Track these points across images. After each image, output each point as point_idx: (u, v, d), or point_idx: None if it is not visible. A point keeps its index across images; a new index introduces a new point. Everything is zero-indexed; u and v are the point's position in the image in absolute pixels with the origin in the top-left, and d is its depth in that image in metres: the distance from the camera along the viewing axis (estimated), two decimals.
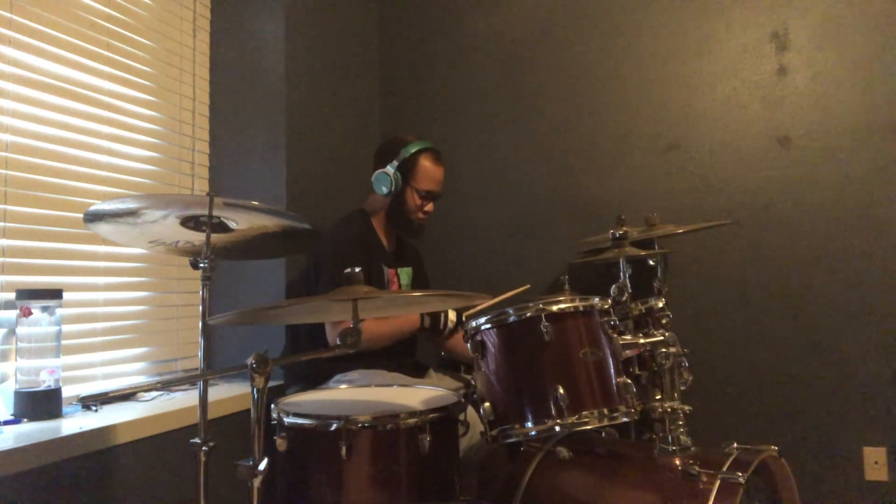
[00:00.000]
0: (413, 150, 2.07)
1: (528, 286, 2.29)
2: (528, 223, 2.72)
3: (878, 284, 2.28)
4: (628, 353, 1.57)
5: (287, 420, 1.37)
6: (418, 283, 2.27)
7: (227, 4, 2.27)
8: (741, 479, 1.33)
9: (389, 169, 2.04)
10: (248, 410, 1.11)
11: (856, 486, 2.26)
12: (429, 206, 2.12)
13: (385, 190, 2.05)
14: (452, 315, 2.05)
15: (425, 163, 2.08)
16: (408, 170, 2.07)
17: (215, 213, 1.32)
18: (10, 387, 1.45)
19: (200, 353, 1.36)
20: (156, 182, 2.00)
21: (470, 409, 1.54)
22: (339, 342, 1.15)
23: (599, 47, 2.66)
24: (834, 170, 2.35)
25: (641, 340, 1.57)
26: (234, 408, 1.86)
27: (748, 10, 2.48)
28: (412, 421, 1.35)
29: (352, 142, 2.71)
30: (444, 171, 2.13)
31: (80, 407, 1.60)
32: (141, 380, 1.90)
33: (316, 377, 1.97)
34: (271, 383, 1.52)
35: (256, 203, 1.33)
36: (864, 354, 2.28)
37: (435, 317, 2.03)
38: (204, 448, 1.30)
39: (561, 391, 1.39)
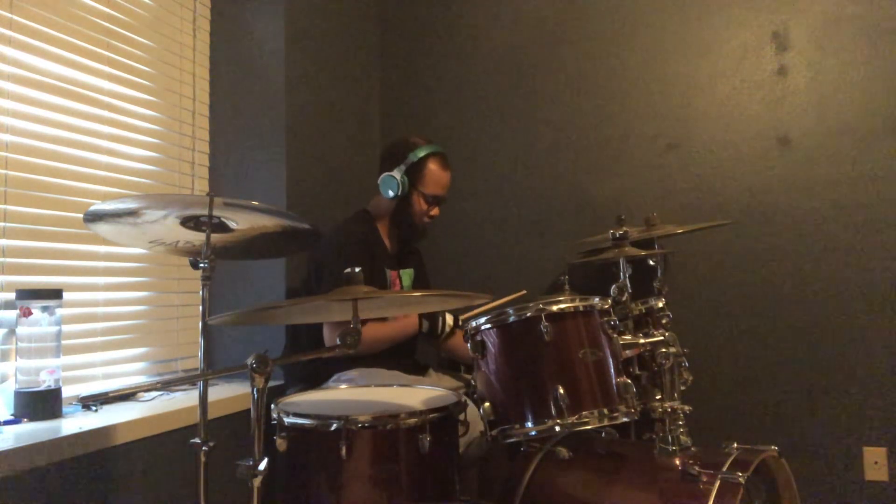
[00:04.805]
0: (421, 154, 2.05)
1: (525, 292, 2.29)
2: (528, 223, 2.72)
3: (878, 284, 2.28)
4: (628, 353, 1.57)
5: (287, 420, 1.37)
6: (419, 283, 2.27)
7: (227, 4, 2.27)
8: (741, 479, 1.33)
9: (397, 173, 2.03)
10: (248, 410, 1.11)
11: (856, 486, 2.26)
12: (434, 211, 2.11)
13: (392, 193, 2.04)
14: (450, 319, 2.05)
15: (433, 167, 2.06)
16: (415, 174, 2.05)
17: (215, 213, 1.32)
18: (10, 387, 1.45)
19: (200, 353, 1.36)
20: (156, 182, 2.00)
21: (470, 409, 1.54)
22: (339, 342, 1.15)
23: (599, 47, 2.66)
24: (834, 170, 2.35)
25: (641, 340, 1.57)
26: (234, 408, 1.86)
27: (748, 10, 2.48)
28: (412, 421, 1.35)
29: (352, 142, 2.71)
30: (450, 176, 2.12)
31: (80, 407, 1.60)
32: (141, 380, 1.90)
33: (316, 377, 1.97)
34: (271, 383, 1.53)
35: (256, 203, 1.33)
36: (864, 354, 2.28)
37: (433, 320, 2.03)
38: (204, 448, 1.30)
39: (561, 391, 1.39)
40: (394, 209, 2.10)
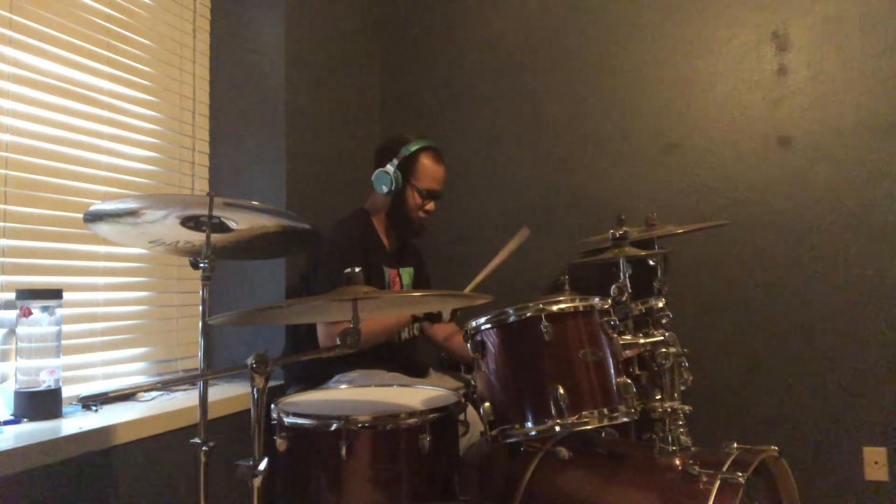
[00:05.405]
0: (413, 148, 2.06)
1: (526, 230, 2.27)
2: (528, 223, 2.71)
3: (878, 284, 2.28)
4: (628, 353, 1.57)
5: (287, 420, 1.37)
6: (419, 282, 2.27)
7: (227, 4, 2.27)
8: (741, 479, 1.33)
9: (389, 167, 2.04)
10: (248, 410, 1.11)
11: (856, 486, 2.26)
12: (430, 206, 2.12)
13: (385, 189, 2.05)
14: None
15: (426, 161, 2.08)
16: (408, 168, 2.06)
17: (215, 213, 1.32)
18: (10, 387, 1.45)
19: (200, 353, 1.36)
20: (156, 182, 2.00)
21: (470, 409, 1.54)
22: (339, 342, 1.15)
23: (599, 47, 2.66)
24: (834, 170, 2.35)
25: (641, 340, 1.57)
26: (234, 408, 1.86)
27: (748, 10, 2.48)
28: (412, 421, 1.35)
29: (352, 142, 2.71)
30: (444, 170, 2.13)
31: (80, 407, 1.60)
32: (141, 380, 1.90)
33: (316, 377, 1.97)
34: (271, 383, 1.52)
35: (256, 203, 1.33)
36: (863, 354, 2.28)
37: None
38: (204, 448, 1.30)
39: (561, 391, 1.39)
40: (389, 205, 2.11)
